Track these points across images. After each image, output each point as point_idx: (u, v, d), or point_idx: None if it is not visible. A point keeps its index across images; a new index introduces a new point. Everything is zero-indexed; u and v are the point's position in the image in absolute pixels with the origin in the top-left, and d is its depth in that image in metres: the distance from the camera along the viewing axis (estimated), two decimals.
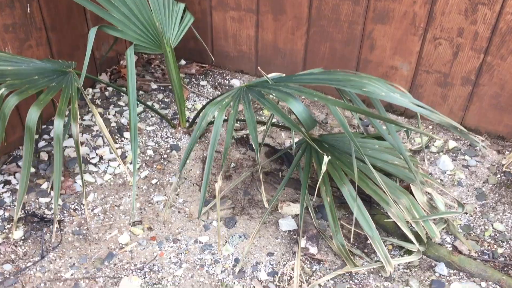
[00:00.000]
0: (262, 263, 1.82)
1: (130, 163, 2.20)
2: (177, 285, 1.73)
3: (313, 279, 1.76)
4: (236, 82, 2.73)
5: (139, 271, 1.78)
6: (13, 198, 2.01)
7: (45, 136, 2.30)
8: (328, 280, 1.76)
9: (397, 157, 1.96)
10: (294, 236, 1.91)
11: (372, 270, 1.80)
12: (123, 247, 1.86)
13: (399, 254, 1.85)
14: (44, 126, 2.36)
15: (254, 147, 1.78)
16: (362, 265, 1.81)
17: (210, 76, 2.79)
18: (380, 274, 1.78)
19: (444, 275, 1.77)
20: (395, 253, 1.86)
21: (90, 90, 2.59)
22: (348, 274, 1.78)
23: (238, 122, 2.47)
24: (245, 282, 1.75)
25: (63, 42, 2.35)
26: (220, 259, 1.83)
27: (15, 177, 2.09)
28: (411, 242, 1.77)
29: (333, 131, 2.43)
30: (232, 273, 1.78)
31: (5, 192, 2.03)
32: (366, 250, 1.87)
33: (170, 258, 1.83)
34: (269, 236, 1.92)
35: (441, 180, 2.16)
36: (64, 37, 2.34)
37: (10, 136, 2.20)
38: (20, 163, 2.15)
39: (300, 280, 1.74)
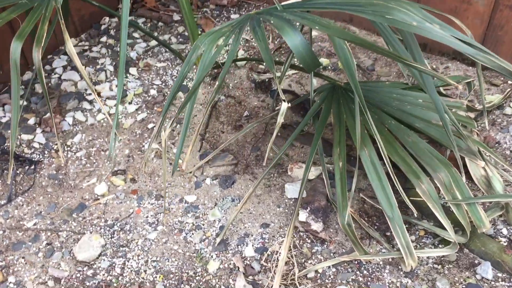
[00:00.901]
0: (252, 235, 1.47)
1: (130, 103, 1.91)
2: (145, 251, 1.44)
3: (310, 263, 1.39)
4: None
5: (107, 228, 1.51)
6: None
7: (47, 67, 2.06)
8: (328, 267, 1.38)
9: None
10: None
11: (390, 260, 1.39)
12: (98, 199, 1.60)
13: (431, 243, 1.41)
14: (49, 56, 2.12)
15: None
16: (376, 253, 1.40)
17: (244, 9, 2.38)
18: (400, 267, 1.36)
19: (488, 279, 1.32)
20: (427, 241, 1.42)
21: (107, 19, 2.31)
22: (356, 262, 1.38)
23: (264, 64, 2.07)
24: (224, 257, 1.42)
25: None
26: (203, 224, 1.51)
27: (3, 109, 1.88)
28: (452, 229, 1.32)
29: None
30: (212, 244, 1.45)
31: None
32: (388, 234, 1.45)
33: (147, 217, 1.54)
34: (270, 203, 1.55)
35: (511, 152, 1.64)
36: None
37: (7, 63, 1.98)
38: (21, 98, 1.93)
39: (291, 262, 1.38)
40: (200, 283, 1.36)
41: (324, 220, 1.45)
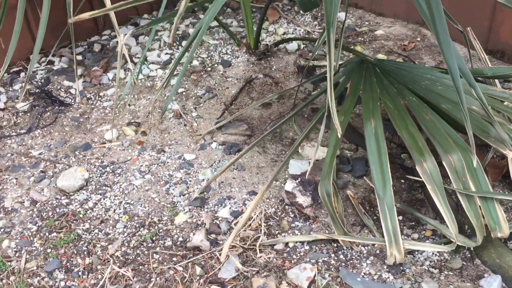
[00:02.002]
0: (235, 199, 1.33)
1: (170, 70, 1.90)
2: (124, 194, 1.38)
3: (284, 236, 1.21)
4: (342, 15, 2.19)
5: (100, 168, 1.48)
6: (43, 76, 1.90)
7: (112, 33, 2.16)
8: (302, 244, 1.18)
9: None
10: None
11: (377, 252, 1.16)
12: (104, 143, 1.58)
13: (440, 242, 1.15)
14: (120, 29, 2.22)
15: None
16: (356, 236, 1.17)
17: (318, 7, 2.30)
18: (386, 262, 1.12)
19: None
20: (435, 241, 1.16)
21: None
22: (335, 245, 1.17)
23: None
24: (196, 213, 1.30)
25: None
26: (190, 181, 1.41)
27: (60, 61, 1.99)
28: (462, 229, 1.06)
29: None
30: (189, 199, 1.34)
31: (42, 70, 1.95)
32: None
33: (140, 166, 1.48)
34: (269, 176, 1.41)
35: None
36: None
37: (77, 23, 2.11)
38: (78, 55, 2.05)
39: (260, 229, 1.21)
40: (160, 231, 1.25)
41: (314, 196, 1.26)
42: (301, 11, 2.24)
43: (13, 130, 1.66)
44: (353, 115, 1.63)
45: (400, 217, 1.25)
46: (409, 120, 1.19)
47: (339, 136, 1.00)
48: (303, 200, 1.25)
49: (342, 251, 1.16)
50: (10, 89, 1.85)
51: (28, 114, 1.73)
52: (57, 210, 1.34)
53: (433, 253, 1.14)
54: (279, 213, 1.28)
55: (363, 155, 1.46)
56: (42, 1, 1.89)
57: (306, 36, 2.07)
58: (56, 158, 1.53)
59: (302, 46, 1.99)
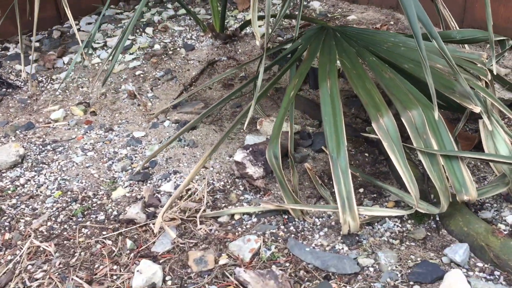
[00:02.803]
0: (181, 173, 1.21)
1: (130, 54, 1.80)
2: (62, 171, 1.25)
3: (230, 208, 1.08)
4: (316, 4, 2.10)
5: (40, 146, 1.35)
6: None
7: (75, 21, 2.06)
8: (249, 216, 1.05)
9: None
10: None
11: (332, 224, 1.03)
12: (50, 123, 1.46)
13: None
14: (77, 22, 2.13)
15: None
16: (306, 204, 1.04)
17: None
18: (340, 232, 0.99)
19: (458, 264, 0.89)
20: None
21: None
22: (285, 217, 1.04)
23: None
24: (137, 188, 1.17)
25: None
26: (136, 157, 1.29)
27: (16, 47, 1.89)
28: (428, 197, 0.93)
29: None
30: (131, 173, 1.22)
31: None
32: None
33: (84, 144, 1.36)
34: (223, 152, 1.29)
35: None
36: None
37: (39, 12, 2.01)
38: (36, 42, 1.95)
39: (206, 202, 1.08)
40: (93, 205, 1.12)
41: (266, 168, 1.14)
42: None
43: None
44: (318, 93, 1.51)
45: (361, 190, 1.12)
46: (367, 78, 1.08)
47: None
48: (254, 171, 1.12)
49: (293, 222, 1.03)
50: None
51: None
52: None
53: (394, 224, 1.01)
54: (228, 187, 1.15)
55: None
56: None
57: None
58: None
59: (270, 31, 1.90)
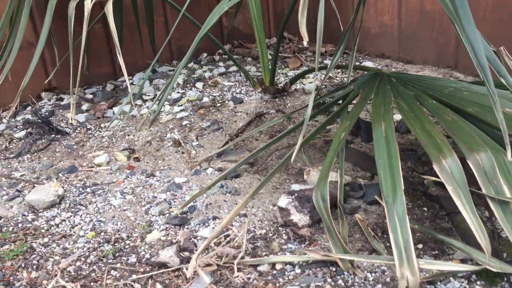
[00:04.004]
0: (220, 219, 1.13)
1: (179, 106, 1.79)
2: (98, 213, 1.20)
3: (271, 256, 0.98)
4: (368, 64, 2.06)
5: (80, 188, 1.32)
6: (48, 110, 1.83)
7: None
8: (292, 266, 0.94)
9: None
10: None
11: (385, 279, 0.90)
12: (92, 167, 1.44)
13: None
14: (131, 78, 2.18)
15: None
16: (357, 254, 0.92)
17: (340, 58, 2.19)
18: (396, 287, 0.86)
19: None
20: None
21: (205, 55, 2.33)
22: (333, 269, 0.92)
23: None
24: (173, 232, 1.09)
25: None
26: (174, 201, 1.22)
27: (70, 98, 1.93)
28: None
29: None
30: (168, 217, 1.15)
31: (50, 105, 1.88)
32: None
33: (124, 187, 1.31)
34: (266, 201, 1.20)
35: None
36: None
37: (95, 68, 2.08)
38: (89, 94, 1.99)
39: (245, 249, 0.98)
40: (126, 247, 1.05)
41: (313, 216, 1.04)
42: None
43: (1, 154, 1.55)
44: (371, 146, 1.43)
45: (420, 245, 1.00)
46: (426, 118, 0.99)
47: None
48: (299, 218, 1.03)
49: (342, 276, 0.91)
50: (13, 120, 1.77)
51: (22, 141, 1.63)
52: (19, 226, 1.17)
53: (461, 285, 0.87)
54: (270, 235, 1.06)
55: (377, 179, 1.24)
56: (60, 42, 1.89)
57: (328, 80, 1.94)
58: (37, 180, 1.39)
59: (321, 86, 1.86)
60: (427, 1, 1.82)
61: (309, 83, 1.90)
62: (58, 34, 1.88)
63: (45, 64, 1.96)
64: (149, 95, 1.91)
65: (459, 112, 1.03)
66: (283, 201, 1.06)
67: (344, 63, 2.12)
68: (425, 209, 1.12)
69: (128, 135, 1.62)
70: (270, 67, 1.76)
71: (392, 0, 1.95)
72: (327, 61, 2.16)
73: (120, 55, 1.36)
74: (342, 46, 1.39)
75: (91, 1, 1.14)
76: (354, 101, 1.22)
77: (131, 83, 2.03)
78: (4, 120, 1.77)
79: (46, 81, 1.93)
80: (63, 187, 1.31)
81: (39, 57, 1.53)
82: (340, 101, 1.29)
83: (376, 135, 0.99)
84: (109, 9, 1.45)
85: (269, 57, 1.79)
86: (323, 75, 1.99)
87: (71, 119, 1.67)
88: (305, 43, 0.82)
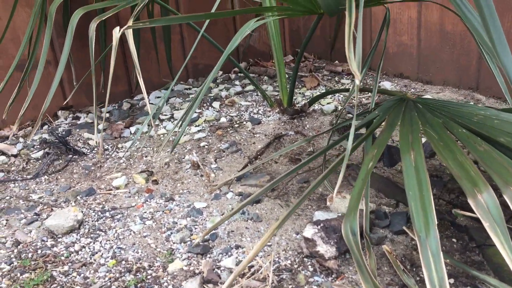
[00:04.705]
0: (243, 249, 1.10)
1: (196, 126, 1.78)
2: (118, 239, 1.18)
3: None
4: (387, 85, 2.04)
5: (99, 213, 1.30)
6: (65, 129, 1.82)
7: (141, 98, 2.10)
8: None
9: None
10: None
11: None
12: (111, 190, 1.42)
13: None
14: (148, 97, 2.17)
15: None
16: None
17: None
18: None
19: None
20: None
21: (220, 73, 2.32)
22: None
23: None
24: (195, 261, 1.07)
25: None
26: (196, 228, 1.20)
27: (86, 117, 1.92)
28: None
29: None
30: (189, 245, 1.12)
31: (66, 123, 1.88)
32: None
33: (143, 212, 1.29)
34: (289, 228, 1.18)
35: None
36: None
37: (111, 87, 2.07)
38: (107, 113, 1.99)
39: (270, 281, 0.96)
40: (148, 277, 1.03)
41: (340, 247, 1.02)
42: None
43: (19, 175, 1.54)
44: (394, 171, 1.40)
45: (452, 280, 0.97)
46: (457, 149, 0.96)
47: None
48: (326, 249, 1.00)
49: None
50: (29, 140, 1.76)
51: (40, 161, 1.62)
52: (39, 252, 1.15)
53: None
54: (296, 266, 1.03)
55: (405, 211, 1.21)
56: (77, 61, 1.89)
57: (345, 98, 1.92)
58: (55, 203, 1.38)
59: (339, 107, 1.84)
60: (448, 21, 1.80)
61: (327, 103, 1.88)
62: (74, 52, 1.88)
63: (61, 82, 1.95)
64: (165, 115, 1.90)
65: (490, 142, 1.00)
66: (309, 231, 1.03)
67: (362, 83, 2.10)
68: (454, 240, 1.09)
69: (146, 156, 1.60)
70: (288, 87, 1.75)
71: (411, 20, 1.93)
72: (344, 80, 2.14)
73: (140, 77, 1.34)
74: (364, 69, 1.38)
75: (119, 30, 1.13)
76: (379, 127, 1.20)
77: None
78: (21, 140, 1.76)
79: (65, 102, 1.92)
80: (82, 212, 1.29)
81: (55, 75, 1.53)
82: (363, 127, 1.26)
83: (405, 164, 0.97)
84: (129, 31, 1.44)
85: (286, 75, 1.78)
86: (342, 95, 1.97)
87: (96, 142, 1.67)
88: (357, 82, 0.80)
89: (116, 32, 1.12)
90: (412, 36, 1.96)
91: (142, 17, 1.98)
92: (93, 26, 1.43)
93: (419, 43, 1.94)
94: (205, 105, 1.95)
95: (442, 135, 1.02)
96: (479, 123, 1.07)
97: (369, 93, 1.89)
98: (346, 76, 2.19)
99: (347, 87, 2.06)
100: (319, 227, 1.04)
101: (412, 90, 1.96)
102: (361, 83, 2.08)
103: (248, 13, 1.73)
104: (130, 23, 1.39)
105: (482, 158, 0.94)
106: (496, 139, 1.01)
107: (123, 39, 2.03)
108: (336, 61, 2.34)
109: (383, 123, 1.17)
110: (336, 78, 2.18)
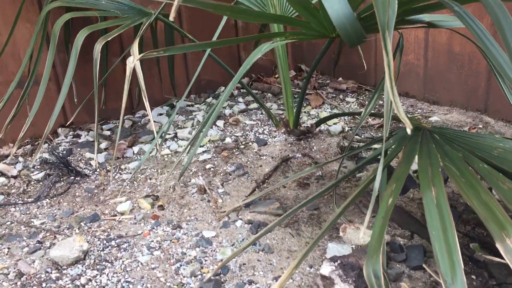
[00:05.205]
0: (257, 284, 1.07)
1: (201, 146, 1.74)
2: (125, 271, 1.14)
3: None
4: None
5: (104, 241, 1.26)
6: (65, 148, 1.78)
7: (144, 113, 2.07)
8: None
9: None
10: None
11: None
12: (115, 215, 1.38)
13: None
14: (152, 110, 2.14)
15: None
16: None
17: (362, 95, 2.15)
18: None
19: None
20: None
21: (223, 88, 2.29)
22: None
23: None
24: None
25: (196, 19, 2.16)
26: (206, 260, 1.16)
27: (87, 135, 1.88)
28: None
29: None
30: (201, 279, 1.09)
31: (67, 142, 1.84)
32: None
33: (151, 241, 1.26)
34: (303, 261, 1.14)
35: None
36: (201, 14, 2.15)
37: (112, 103, 2.04)
38: (107, 130, 1.95)
39: None
40: None
41: (358, 285, 0.98)
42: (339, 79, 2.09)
43: (20, 198, 1.50)
44: (406, 199, 1.37)
45: None
46: (481, 187, 0.94)
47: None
48: None
49: None
50: (29, 159, 1.72)
51: (41, 183, 1.57)
52: (44, 285, 1.11)
53: None
54: None
55: (421, 243, 1.18)
56: (78, 78, 1.86)
57: (352, 119, 1.90)
58: (58, 229, 1.34)
59: (346, 128, 1.81)
60: (456, 42, 1.79)
61: (334, 123, 1.85)
62: (75, 69, 1.84)
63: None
64: (169, 133, 1.86)
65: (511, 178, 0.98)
66: (326, 268, 1.00)
67: (364, 98, 2.08)
68: (473, 277, 1.07)
69: (150, 179, 1.56)
70: (294, 107, 1.72)
71: (418, 39, 1.92)
72: (349, 99, 2.12)
73: (146, 100, 1.31)
74: (376, 94, 1.35)
75: (133, 60, 1.09)
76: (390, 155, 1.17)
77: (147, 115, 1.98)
78: (20, 159, 1.72)
79: (68, 123, 1.89)
80: (87, 241, 1.25)
81: (56, 90, 1.50)
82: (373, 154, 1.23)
83: (427, 202, 0.94)
84: (135, 51, 1.41)
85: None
86: (348, 115, 1.94)
87: (95, 165, 1.63)
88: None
89: (130, 62, 1.08)
90: (419, 56, 1.94)
91: (146, 33, 1.94)
92: (98, 47, 1.40)
93: (426, 63, 1.93)
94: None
95: (463, 171, 0.99)
96: (499, 158, 1.04)
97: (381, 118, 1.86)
98: (350, 94, 2.16)
99: (353, 107, 2.04)
100: (336, 264, 1.01)
101: (419, 110, 1.94)
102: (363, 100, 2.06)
103: (262, 38, 1.70)
104: (136, 43, 1.36)
105: (507, 197, 0.91)
106: None
107: (125, 55, 2.00)
108: (340, 78, 2.32)
109: (400, 154, 1.14)
110: (341, 96, 2.15)
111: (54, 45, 1.45)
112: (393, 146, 1.18)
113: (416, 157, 1.09)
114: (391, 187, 1.01)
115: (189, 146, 1.31)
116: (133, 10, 1.66)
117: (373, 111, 1.84)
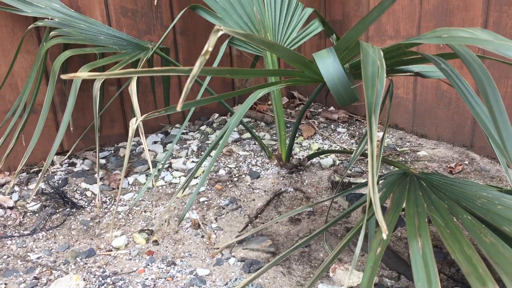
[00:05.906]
0: None
1: (195, 178, 1.78)
2: None
3: None
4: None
5: (100, 279, 1.29)
6: (61, 177, 1.81)
7: (140, 140, 2.10)
8: None
9: None
10: None
11: None
12: (111, 250, 1.41)
13: None
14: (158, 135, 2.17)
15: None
16: None
17: (353, 125, 2.20)
18: None
19: None
20: None
21: (216, 115, 2.33)
22: None
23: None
24: None
25: (194, 50, 2.20)
26: None
27: (82, 163, 1.91)
28: None
29: None
30: None
31: (62, 171, 1.86)
32: None
33: (145, 279, 1.29)
34: None
35: None
36: (196, 45, 2.20)
37: (107, 129, 2.07)
38: (102, 159, 1.98)
39: None
40: None
41: None
42: (339, 127, 2.14)
43: (16, 231, 1.52)
44: (393, 238, 1.42)
45: None
46: (464, 240, 0.98)
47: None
48: None
49: None
50: (25, 188, 1.75)
51: (37, 214, 1.60)
52: None
53: None
54: None
55: (407, 285, 1.23)
56: (74, 106, 1.89)
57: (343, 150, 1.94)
58: (54, 264, 1.36)
59: (337, 162, 1.86)
60: (444, 81, 1.84)
61: (325, 156, 1.90)
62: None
63: (57, 127, 1.94)
64: (163, 164, 1.89)
65: (495, 231, 1.02)
66: None
67: (355, 129, 2.13)
68: None
69: (145, 212, 1.60)
70: (286, 140, 1.76)
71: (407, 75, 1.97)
72: (340, 129, 2.17)
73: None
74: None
75: (136, 121, 1.13)
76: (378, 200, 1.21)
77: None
78: (16, 188, 1.74)
79: (67, 156, 1.92)
80: (83, 279, 1.28)
81: (52, 119, 1.53)
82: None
83: (413, 252, 0.98)
84: (133, 89, 1.45)
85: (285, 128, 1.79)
86: (340, 148, 1.99)
87: (98, 199, 1.66)
88: (384, 236, 0.81)
89: (133, 124, 1.12)
90: (408, 91, 2.00)
91: (142, 65, 1.98)
92: (97, 85, 1.44)
93: (414, 97, 1.98)
94: (202, 153, 1.95)
95: (448, 222, 1.04)
96: (482, 209, 1.09)
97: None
98: (341, 124, 2.21)
99: (344, 138, 2.09)
100: None
101: (407, 143, 1.99)
102: (353, 130, 2.11)
103: (260, 88, 1.76)
104: (134, 82, 1.40)
105: (489, 252, 0.96)
106: (500, 227, 1.03)
107: (121, 82, 2.04)
108: (332, 108, 2.37)
109: (388, 200, 1.19)
110: (332, 126, 2.20)
111: (54, 81, 1.48)
112: (381, 192, 1.23)
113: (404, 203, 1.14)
114: (380, 236, 1.05)
115: (185, 184, 1.34)
116: (131, 45, 1.70)
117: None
